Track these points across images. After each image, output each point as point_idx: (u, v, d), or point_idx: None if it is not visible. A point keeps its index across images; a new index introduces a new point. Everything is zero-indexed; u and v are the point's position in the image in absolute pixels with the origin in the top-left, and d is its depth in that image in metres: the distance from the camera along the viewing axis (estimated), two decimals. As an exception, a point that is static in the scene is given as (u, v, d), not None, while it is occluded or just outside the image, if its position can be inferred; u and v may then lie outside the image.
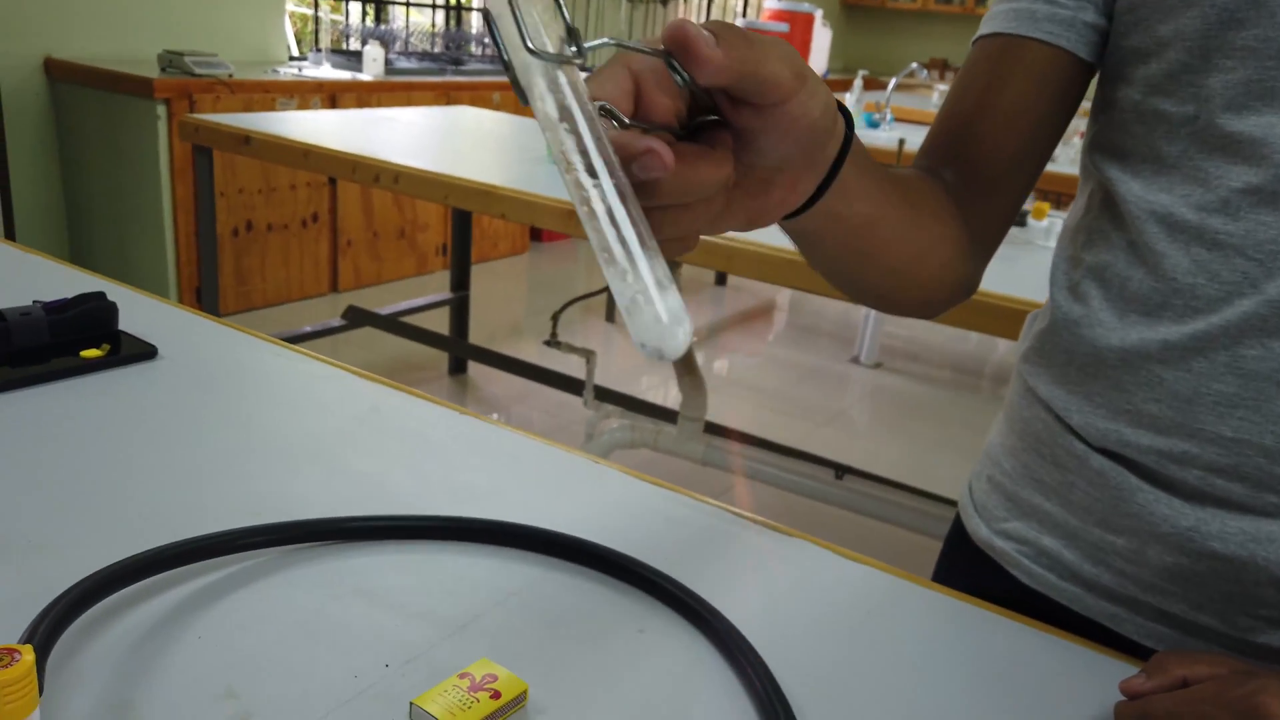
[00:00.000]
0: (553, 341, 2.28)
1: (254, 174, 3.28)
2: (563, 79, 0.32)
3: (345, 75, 3.80)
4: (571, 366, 2.80)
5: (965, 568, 0.66)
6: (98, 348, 0.82)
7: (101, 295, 0.86)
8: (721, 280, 4.70)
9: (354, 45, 4.48)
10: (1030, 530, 0.61)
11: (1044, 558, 0.61)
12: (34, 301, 0.84)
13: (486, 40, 5.03)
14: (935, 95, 4.61)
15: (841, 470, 2.19)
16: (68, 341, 0.82)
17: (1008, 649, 0.55)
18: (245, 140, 2.13)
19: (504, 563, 0.58)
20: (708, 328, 4.05)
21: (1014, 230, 1.82)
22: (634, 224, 0.31)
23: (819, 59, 6.52)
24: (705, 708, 0.48)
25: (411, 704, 0.45)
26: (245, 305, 3.44)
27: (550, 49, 0.31)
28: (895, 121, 3.56)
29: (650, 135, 0.34)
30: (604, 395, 2.48)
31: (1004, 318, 1.37)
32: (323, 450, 0.70)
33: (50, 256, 1.07)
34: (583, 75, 0.33)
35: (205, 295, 2.55)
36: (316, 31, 4.41)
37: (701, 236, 0.40)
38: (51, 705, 0.43)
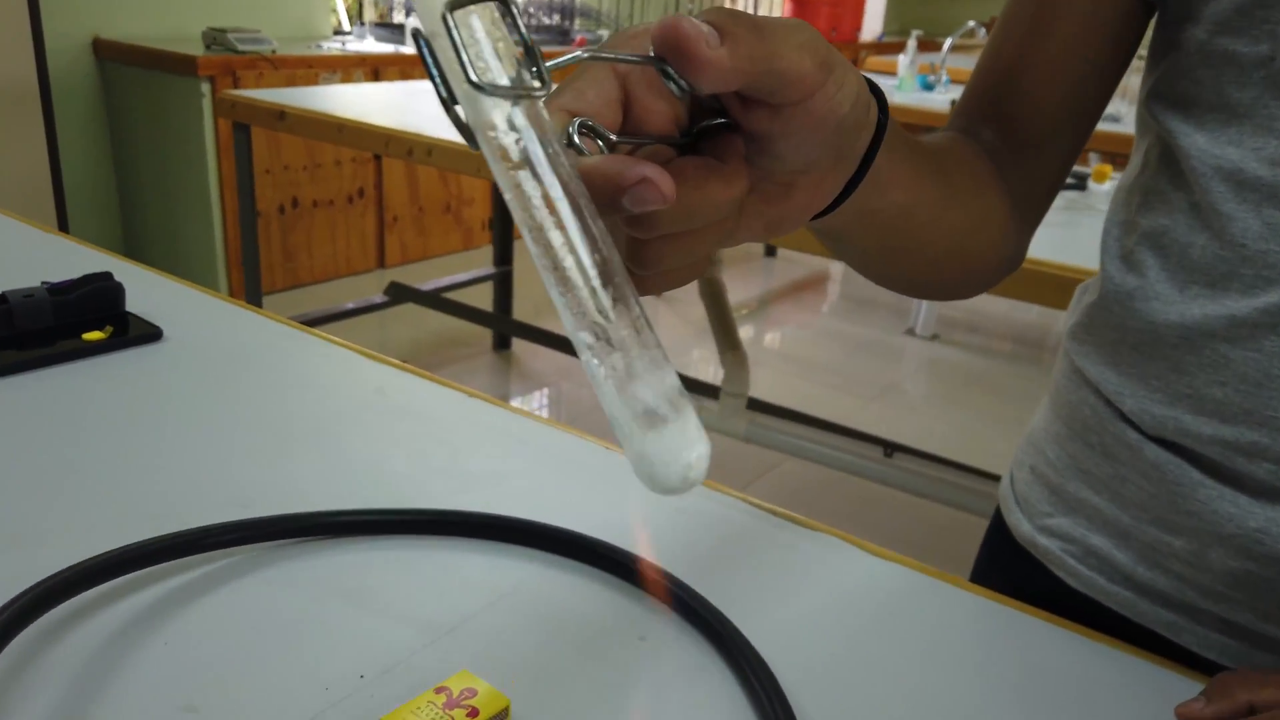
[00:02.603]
0: (594, 316, 2.24)
1: (298, 150, 3.29)
2: (520, 118, 0.25)
3: (389, 49, 3.78)
4: (615, 341, 2.75)
5: (1005, 566, 0.61)
6: (102, 329, 0.80)
7: (108, 275, 0.84)
8: (771, 251, 4.61)
9: (399, 18, 4.46)
10: (1077, 527, 0.55)
11: (1092, 558, 0.55)
12: (41, 282, 0.82)
13: (531, 9, 4.97)
14: (994, 55, 4.44)
15: (890, 448, 2.12)
16: (72, 323, 0.80)
17: (1051, 657, 0.50)
18: (280, 116, 2.12)
19: (498, 560, 0.54)
20: (756, 300, 3.98)
21: (1073, 195, 1.72)
22: (628, 319, 0.24)
23: (873, 21, 6.35)
24: (705, 727, 0.43)
25: (380, 721, 0.41)
26: (292, 282, 3.46)
27: (502, 79, 0.24)
28: (950, 83, 3.44)
29: (642, 156, 0.28)
30: (647, 370, 2.43)
31: (1062, 289, 1.30)
32: (323, 435, 0.67)
33: (67, 235, 1.06)
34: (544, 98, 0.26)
35: (248, 272, 2.56)
36: (361, 5, 4.40)
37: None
38: (-13, 724, 0.40)
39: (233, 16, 3.47)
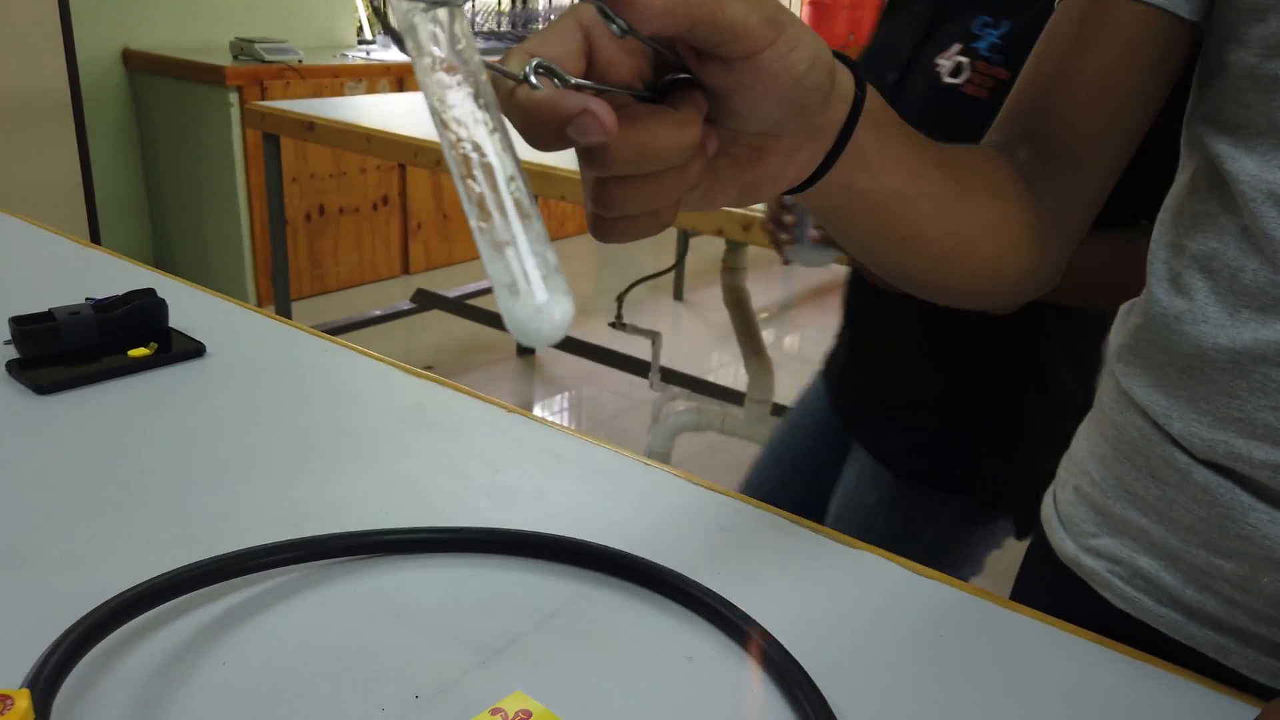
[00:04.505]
0: (617, 323, 2.25)
1: (325, 159, 3.32)
2: (438, 25, 0.27)
3: (412, 57, 3.80)
4: (639, 347, 2.76)
5: (1049, 586, 0.60)
6: (146, 346, 0.81)
7: (151, 292, 0.85)
8: (793, 256, 4.60)
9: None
10: (1124, 549, 0.55)
11: (1139, 579, 0.55)
12: (85, 299, 0.83)
13: (554, 18, 4.99)
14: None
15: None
16: (117, 340, 0.81)
17: (1097, 677, 0.49)
18: (309, 127, 2.14)
19: (544, 578, 0.55)
20: (778, 304, 3.97)
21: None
22: (512, 186, 0.26)
23: None
24: (756, 749, 0.44)
25: (437, 743, 0.41)
26: (319, 289, 3.49)
27: None
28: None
29: (599, 96, 0.29)
30: (671, 377, 2.44)
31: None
32: (364, 452, 0.68)
33: (107, 250, 1.07)
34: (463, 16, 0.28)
35: (277, 280, 2.59)
36: (385, 13, 4.43)
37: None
38: (58, 745, 0.41)
39: (260, 27, 3.50)
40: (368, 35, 4.16)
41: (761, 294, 3.96)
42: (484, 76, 0.27)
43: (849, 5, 5.85)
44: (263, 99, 3.03)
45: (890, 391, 1.01)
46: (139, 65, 3.20)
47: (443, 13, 0.27)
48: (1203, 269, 0.50)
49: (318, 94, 3.23)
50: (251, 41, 3.12)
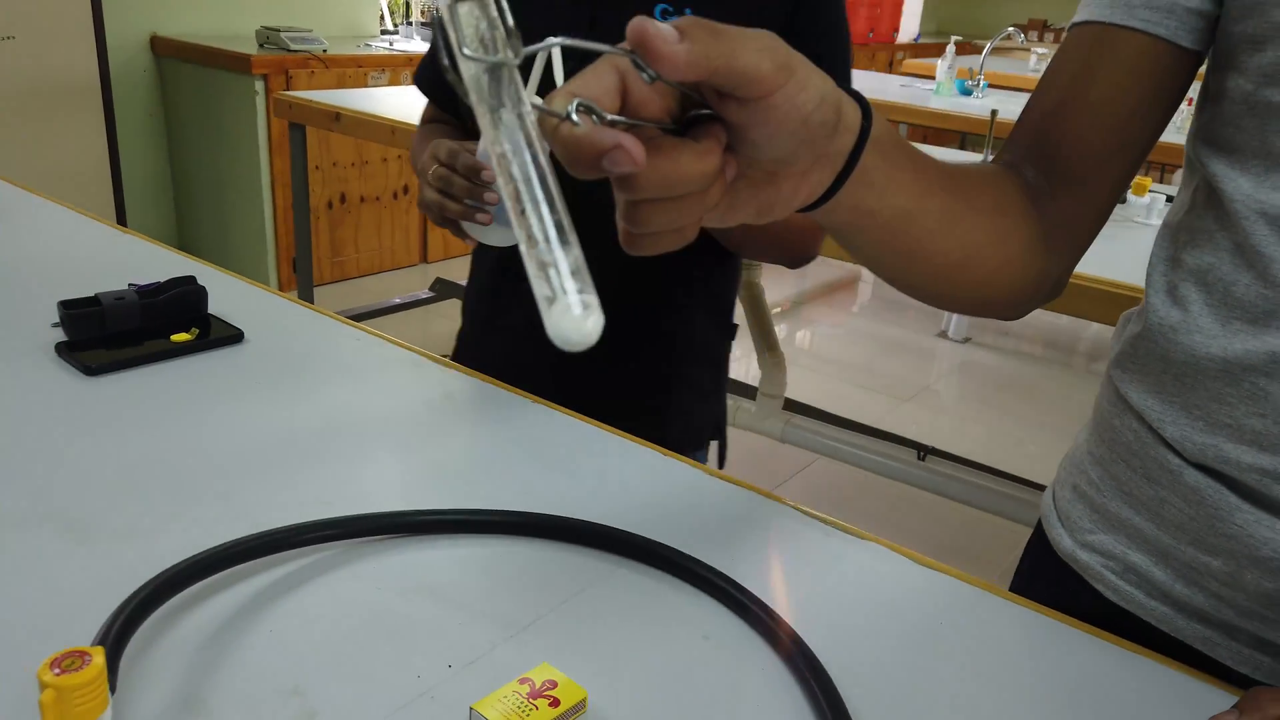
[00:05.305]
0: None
1: (347, 148, 3.35)
2: (500, 80, 0.32)
3: (434, 47, 3.83)
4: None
5: (1047, 580, 0.63)
6: (187, 331, 0.84)
7: (192, 279, 0.88)
8: (807, 252, 4.61)
9: (443, 16, 4.50)
10: (1118, 545, 0.58)
11: (1131, 574, 0.58)
12: (129, 284, 0.87)
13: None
14: (1033, 59, 4.40)
15: (924, 451, 2.14)
16: (159, 325, 0.85)
17: (1090, 667, 0.52)
18: (335, 117, 2.17)
19: (569, 560, 0.58)
20: (790, 300, 3.99)
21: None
22: (553, 212, 0.31)
23: (910, 24, 6.31)
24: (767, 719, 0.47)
25: (471, 709, 0.45)
26: (339, 276, 3.53)
27: (493, 53, 0.31)
28: (989, 88, 3.42)
29: (630, 131, 0.34)
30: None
31: (1098, 301, 1.31)
32: (396, 436, 0.71)
33: (144, 236, 1.11)
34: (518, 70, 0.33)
35: (300, 268, 2.63)
36: (408, 4, 4.45)
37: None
38: (126, 701, 0.44)
39: (285, 16, 3.54)
40: (389, 25, 4.20)
41: (776, 290, 3.98)
42: (532, 122, 0.32)
43: (867, 3, 5.84)
44: (287, 87, 3.07)
45: None
46: (167, 52, 3.24)
47: (499, 69, 0.31)
48: (1198, 282, 0.53)
49: (341, 83, 3.27)
50: (277, 30, 3.16)
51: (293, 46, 3.12)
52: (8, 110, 2.56)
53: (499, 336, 1.01)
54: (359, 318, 2.88)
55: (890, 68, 5.70)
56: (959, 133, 3.59)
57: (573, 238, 0.30)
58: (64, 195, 1.25)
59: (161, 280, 0.87)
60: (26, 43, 2.55)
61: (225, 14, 3.40)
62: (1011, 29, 3.49)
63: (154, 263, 1.03)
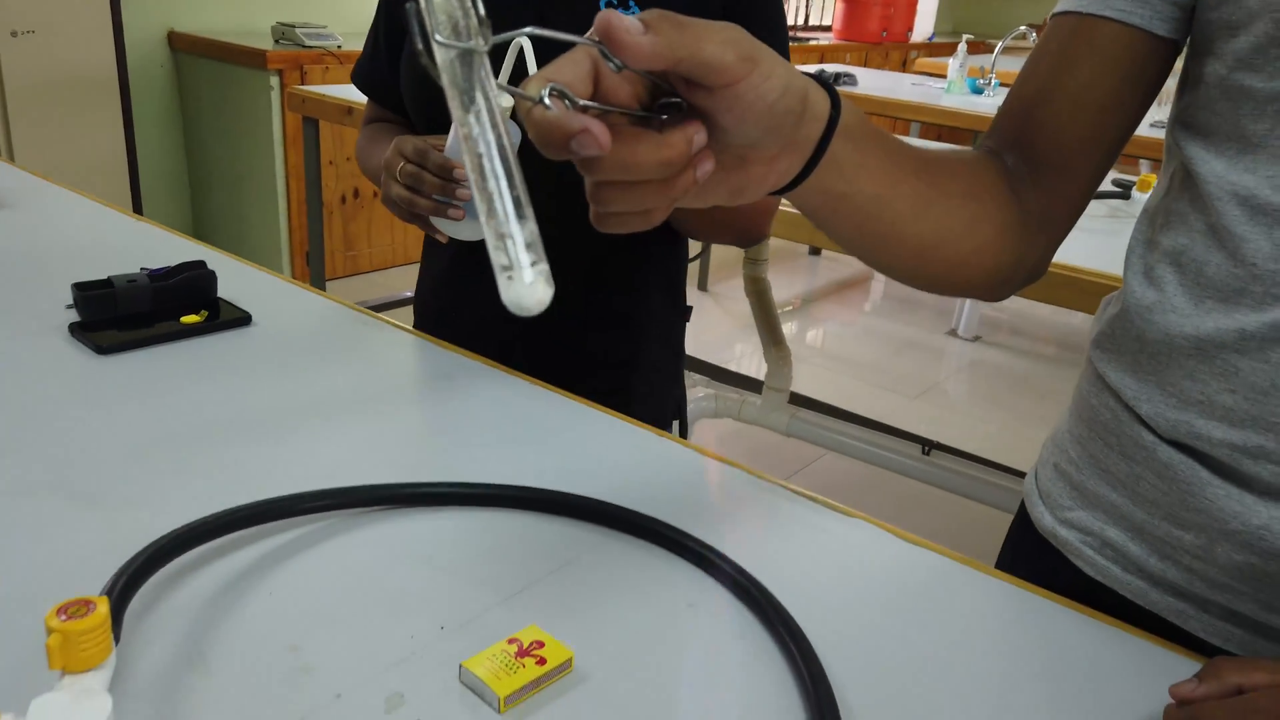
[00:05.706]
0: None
1: (359, 142, 3.38)
2: (471, 66, 0.34)
3: (447, 44, 3.85)
4: (662, 335, 2.80)
5: (1028, 556, 0.65)
6: (197, 314, 0.87)
7: (202, 264, 0.91)
8: (816, 250, 4.62)
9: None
10: (1095, 521, 0.60)
11: (1108, 549, 0.59)
12: (141, 269, 0.89)
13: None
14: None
15: (928, 445, 2.14)
16: (170, 307, 0.87)
17: (1066, 638, 0.54)
18: (348, 111, 2.20)
19: (560, 532, 0.60)
20: (800, 298, 4.00)
21: (1117, 203, 1.73)
22: (511, 189, 0.33)
23: (924, 22, 6.29)
24: (747, 683, 0.49)
25: (461, 665, 0.47)
26: (352, 270, 3.56)
27: (463, 40, 0.34)
28: (1000, 86, 3.42)
29: (600, 117, 0.36)
30: (693, 364, 2.49)
31: (1100, 295, 1.32)
32: (397, 414, 0.73)
33: (155, 223, 1.13)
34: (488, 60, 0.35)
35: (313, 261, 2.66)
36: None
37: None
38: (131, 653, 0.46)
39: (300, 12, 3.57)
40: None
41: (785, 287, 3.99)
42: (498, 105, 0.34)
43: (881, 3, 5.84)
44: (302, 83, 3.10)
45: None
46: (183, 47, 3.28)
47: (470, 55, 0.34)
48: (1173, 263, 0.54)
49: (355, 79, 3.29)
50: (292, 26, 3.19)
51: (308, 42, 3.15)
52: (27, 104, 2.60)
53: (454, 330, 1.03)
54: (371, 309, 2.91)
55: (904, 67, 5.70)
56: (970, 131, 3.60)
57: (529, 213, 0.32)
58: (82, 188, 1.28)
59: (173, 265, 0.89)
60: (46, 38, 2.59)
61: (241, 10, 3.43)
62: (1024, 28, 3.49)
63: (166, 248, 1.05)
